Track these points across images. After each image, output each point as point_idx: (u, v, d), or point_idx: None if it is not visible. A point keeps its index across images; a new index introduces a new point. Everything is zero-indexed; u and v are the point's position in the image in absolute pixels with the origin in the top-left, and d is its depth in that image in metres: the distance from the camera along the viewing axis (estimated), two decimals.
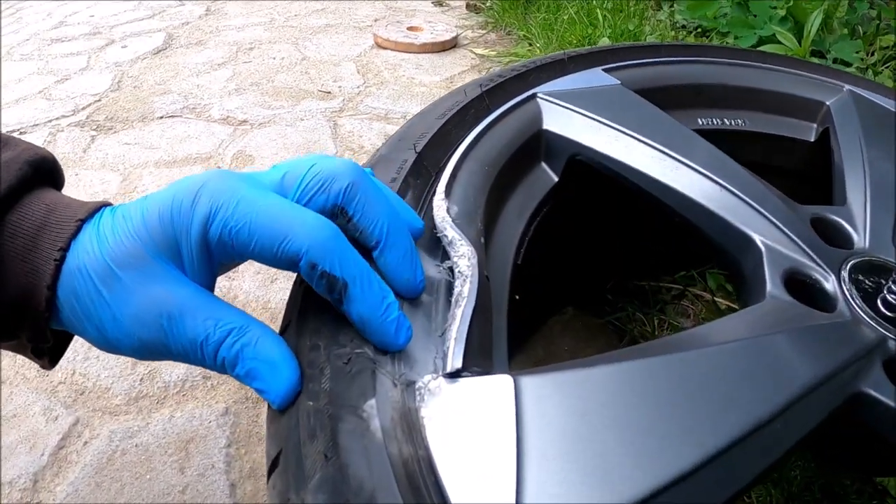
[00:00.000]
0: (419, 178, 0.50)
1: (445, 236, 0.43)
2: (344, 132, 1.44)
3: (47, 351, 0.42)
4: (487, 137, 0.57)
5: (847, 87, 0.78)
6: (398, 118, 1.51)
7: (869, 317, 0.48)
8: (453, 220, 0.44)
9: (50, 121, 1.54)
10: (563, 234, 0.65)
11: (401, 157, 0.52)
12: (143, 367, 0.86)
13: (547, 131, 0.62)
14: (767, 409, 0.36)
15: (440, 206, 0.45)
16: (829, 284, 0.51)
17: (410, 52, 1.92)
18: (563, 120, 0.62)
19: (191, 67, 1.85)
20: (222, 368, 0.36)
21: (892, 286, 0.48)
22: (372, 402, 0.33)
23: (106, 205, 0.40)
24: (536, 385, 0.34)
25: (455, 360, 0.35)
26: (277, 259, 0.36)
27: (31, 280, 0.36)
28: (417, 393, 0.34)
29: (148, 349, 0.37)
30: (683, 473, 0.32)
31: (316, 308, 0.39)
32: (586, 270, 0.85)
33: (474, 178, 0.51)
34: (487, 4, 2.35)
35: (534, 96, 0.64)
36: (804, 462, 0.69)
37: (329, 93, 1.64)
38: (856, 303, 0.49)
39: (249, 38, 2.09)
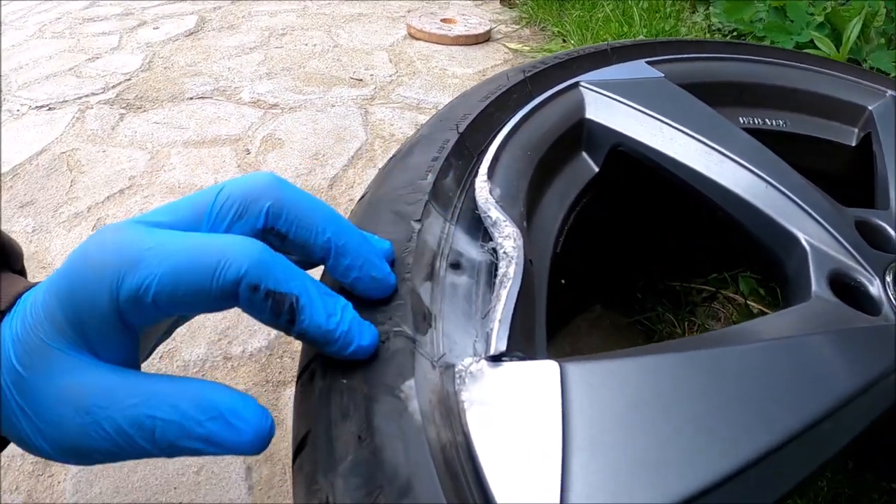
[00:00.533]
0: (461, 158, 0.49)
1: (489, 217, 0.41)
2: (375, 120, 1.43)
3: None
4: (530, 123, 0.55)
5: (890, 92, 0.76)
6: (430, 108, 1.50)
7: None
8: (496, 202, 0.42)
9: (79, 97, 1.55)
10: (599, 227, 0.63)
11: (442, 136, 0.50)
12: (163, 345, 0.85)
13: (589, 120, 0.60)
14: (820, 408, 0.35)
15: (483, 186, 0.44)
16: (874, 288, 0.49)
17: (443, 44, 1.91)
18: (606, 109, 0.60)
19: (222, 50, 1.85)
20: (174, 453, 0.31)
21: None
22: (410, 382, 0.31)
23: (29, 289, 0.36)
24: (584, 372, 0.32)
25: (499, 343, 0.33)
26: (211, 295, 0.30)
27: None
28: (458, 376, 0.32)
29: (79, 454, 0.32)
30: (735, 471, 0.30)
31: None
32: (620, 266, 0.83)
33: (516, 163, 0.50)
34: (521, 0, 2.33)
35: (577, 85, 0.62)
36: (831, 473, 0.67)
37: (361, 80, 1.63)
38: None
39: (282, 23, 2.08)
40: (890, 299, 0.48)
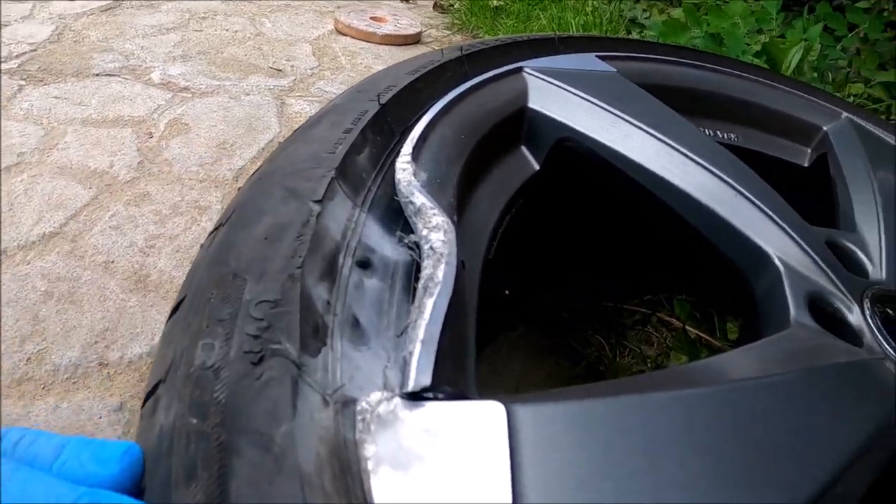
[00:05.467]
0: (380, 134, 0.39)
1: (412, 203, 0.32)
2: (291, 112, 1.34)
3: None
4: (465, 105, 0.46)
5: (845, 114, 0.71)
6: None
7: None
8: (421, 187, 0.33)
9: None
10: (533, 234, 0.55)
11: (359, 107, 0.41)
12: (32, 345, 0.75)
13: (532, 110, 0.52)
14: (822, 465, 0.26)
15: (405, 168, 0.34)
16: (854, 316, 0.43)
17: (371, 42, 1.82)
18: (553, 99, 0.52)
19: (138, 28, 1.74)
20: None
21: None
22: (287, 427, 0.21)
23: None
24: (539, 419, 0.22)
25: (420, 375, 0.23)
26: None
27: None
28: (360, 420, 0.22)
29: None
30: None
31: (218, 281, 0.27)
32: (552, 281, 0.75)
33: (448, 147, 0.41)
34: (455, 6, 2.26)
35: (520, 70, 0.54)
36: None
37: (280, 70, 1.53)
38: (882, 337, 0.41)
39: (205, 7, 1.97)
40: (872, 329, 0.41)
